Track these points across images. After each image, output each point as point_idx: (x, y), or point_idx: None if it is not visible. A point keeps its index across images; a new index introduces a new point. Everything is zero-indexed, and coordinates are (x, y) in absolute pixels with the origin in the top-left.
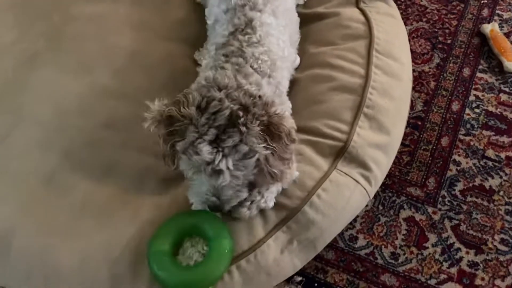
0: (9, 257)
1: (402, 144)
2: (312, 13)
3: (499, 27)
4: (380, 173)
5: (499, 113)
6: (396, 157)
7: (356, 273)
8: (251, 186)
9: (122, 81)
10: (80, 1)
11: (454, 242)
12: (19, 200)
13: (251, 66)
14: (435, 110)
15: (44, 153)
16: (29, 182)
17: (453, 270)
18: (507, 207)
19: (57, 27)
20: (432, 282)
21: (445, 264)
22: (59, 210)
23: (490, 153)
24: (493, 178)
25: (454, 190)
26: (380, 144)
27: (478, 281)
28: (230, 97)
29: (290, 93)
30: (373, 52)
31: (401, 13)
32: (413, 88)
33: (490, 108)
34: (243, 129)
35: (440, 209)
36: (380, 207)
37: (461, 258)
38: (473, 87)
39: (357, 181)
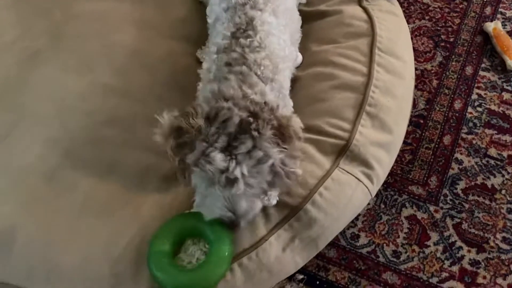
0: (11, 254)
1: (404, 142)
2: (315, 11)
3: (502, 25)
4: (382, 171)
5: (501, 112)
6: (398, 155)
7: (357, 271)
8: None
9: (123, 79)
10: None
11: (456, 241)
12: (20, 198)
13: (255, 73)
14: (438, 109)
15: (46, 151)
16: (31, 180)
17: (455, 268)
18: (509, 205)
19: (59, 25)
20: (434, 280)
21: (447, 263)
22: (61, 208)
23: (492, 151)
24: (495, 176)
25: (456, 188)
26: (382, 142)
27: (479, 280)
28: (237, 105)
29: (292, 91)
30: (376, 50)
31: (404, 11)
32: (416, 87)
33: (493, 107)
34: (255, 134)
35: (442, 208)
36: (382, 206)
37: (462, 257)
38: (476, 85)
39: (359, 180)
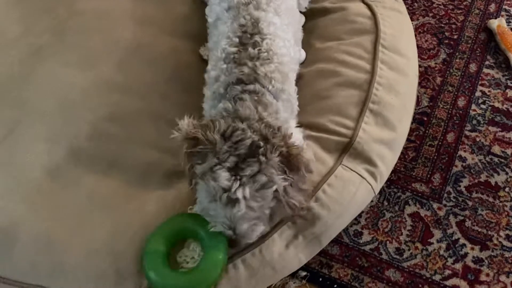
0: (15, 250)
1: (408, 139)
2: (318, 8)
3: (506, 22)
4: (385, 168)
5: (505, 109)
6: (402, 152)
7: (360, 268)
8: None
9: (126, 75)
10: None
11: (459, 238)
12: (24, 194)
13: (267, 90)
14: (441, 106)
15: (49, 147)
16: (34, 176)
17: (458, 266)
18: None
19: (62, 21)
20: (437, 277)
21: (450, 260)
22: (64, 204)
23: (496, 149)
24: (499, 174)
25: (460, 186)
26: (386, 139)
27: (483, 277)
28: (252, 128)
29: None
30: (379, 47)
31: (407, 8)
32: (419, 84)
33: (497, 104)
34: (262, 159)
35: (445, 205)
36: (385, 203)
37: (466, 254)
38: (480, 82)
39: (362, 177)
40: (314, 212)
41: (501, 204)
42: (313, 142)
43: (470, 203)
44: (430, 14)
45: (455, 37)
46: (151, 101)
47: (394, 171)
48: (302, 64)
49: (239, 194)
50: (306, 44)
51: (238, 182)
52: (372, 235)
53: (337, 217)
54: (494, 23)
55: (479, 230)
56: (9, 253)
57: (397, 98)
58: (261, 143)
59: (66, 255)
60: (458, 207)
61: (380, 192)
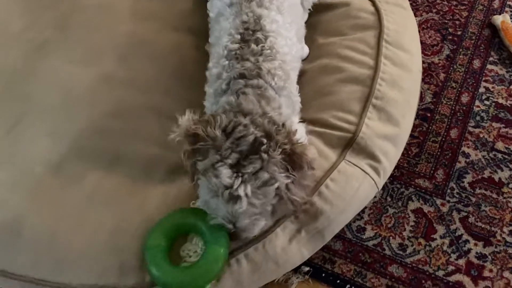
0: (18, 244)
1: (411, 135)
2: (322, 3)
3: (511, 18)
4: (388, 164)
5: (509, 105)
6: (405, 148)
7: (363, 263)
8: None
9: (130, 70)
10: None
11: (462, 234)
12: (27, 188)
13: (270, 85)
14: (445, 102)
15: (52, 142)
16: (38, 170)
17: (461, 261)
18: None
19: (65, 16)
20: (440, 273)
21: (453, 256)
22: (67, 199)
23: (500, 145)
24: (502, 170)
25: (463, 182)
26: (389, 135)
27: (486, 273)
28: (254, 123)
29: (298, 85)
30: (383, 42)
31: (411, 4)
32: (423, 80)
33: (500, 100)
34: (265, 156)
35: (448, 201)
36: (388, 199)
37: (469, 250)
38: (483, 79)
39: (365, 172)
40: (317, 207)
41: (504, 200)
42: (316, 137)
43: (473, 199)
44: (434, 10)
45: (459, 33)
46: (154, 96)
47: (397, 167)
48: (305, 59)
49: (241, 192)
50: (309, 39)
51: (240, 179)
52: (375, 231)
53: (340, 212)
54: (498, 19)
55: (483, 226)
56: (12, 248)
57: (400, 94)
58: (264, 140)
59: (69, 250)
60: (462, 203)
61: (383, 188)
